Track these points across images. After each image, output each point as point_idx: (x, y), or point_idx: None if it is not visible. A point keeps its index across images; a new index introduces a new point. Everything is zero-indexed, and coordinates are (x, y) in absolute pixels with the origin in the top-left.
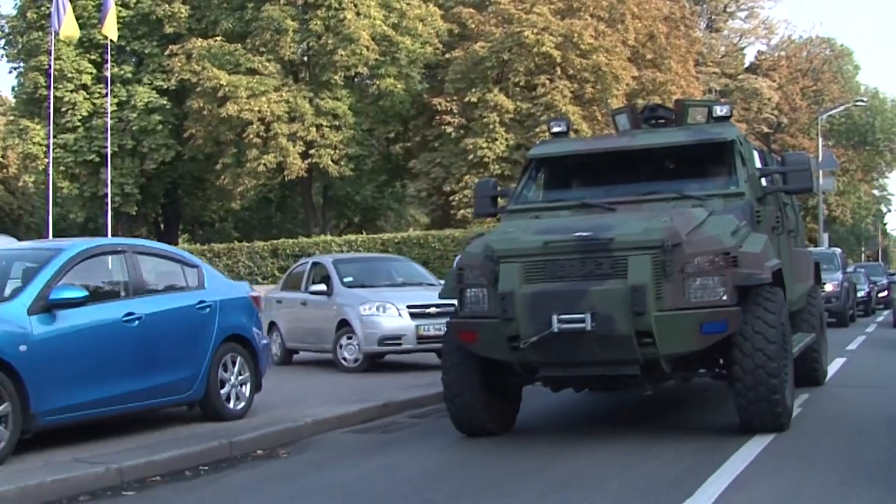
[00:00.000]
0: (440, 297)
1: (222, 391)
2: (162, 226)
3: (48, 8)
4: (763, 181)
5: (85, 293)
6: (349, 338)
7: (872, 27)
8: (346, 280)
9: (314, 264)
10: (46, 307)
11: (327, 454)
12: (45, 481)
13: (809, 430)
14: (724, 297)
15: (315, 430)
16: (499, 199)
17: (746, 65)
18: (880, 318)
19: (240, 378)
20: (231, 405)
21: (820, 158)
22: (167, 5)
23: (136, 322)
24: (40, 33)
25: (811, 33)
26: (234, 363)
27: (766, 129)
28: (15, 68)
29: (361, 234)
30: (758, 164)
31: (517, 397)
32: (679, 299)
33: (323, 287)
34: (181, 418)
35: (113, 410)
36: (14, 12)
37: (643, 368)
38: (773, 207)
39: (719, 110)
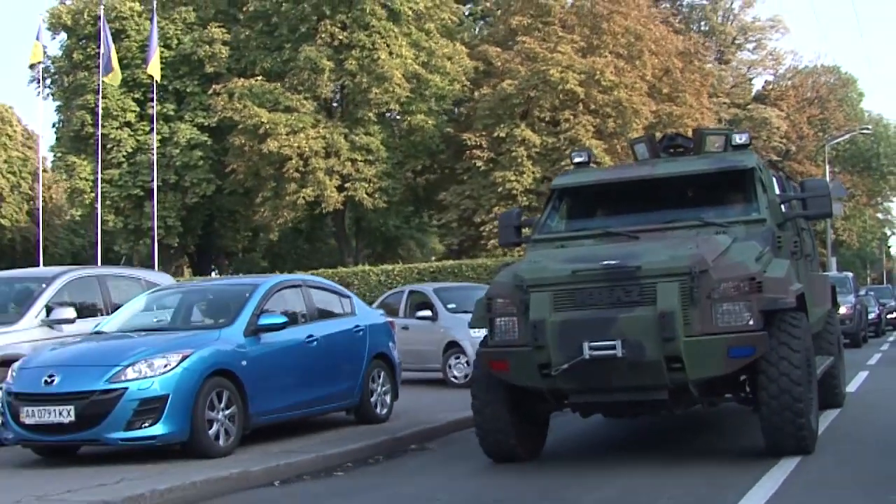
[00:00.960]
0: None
1: (371, 399)
2: (195, 257)
3: (93, 49)
4: (783, 207)
5: (285, 319)
6: (457, 357)
7: (876, 52)
8: (449, 306)
9: (411, 292)
10: (255, 331)
11: (466, 446)
12: (280, 464)
13: (837, 450)
14: (751, 322)
15: (452, 429)
16: (523, 228)
17: (754, 94)
18: (891, 338)
19: (383, 388)
20: (378, 410)
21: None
22: (208, 46)
23: (315, 342)
24: (86, 73)
25: (817, 62)
26: (379, 376)
27: (774, 157)
28: (61, 107)
29: (387, 263)
30: (777, 191)
31: (545, 423)
32: (707, 325)
33: (428, 313)
34: (335, 423)
35: (302, 413)
36: (59, 53)
37: (671, 393)
38: (792, 233)
39: (738, 138)
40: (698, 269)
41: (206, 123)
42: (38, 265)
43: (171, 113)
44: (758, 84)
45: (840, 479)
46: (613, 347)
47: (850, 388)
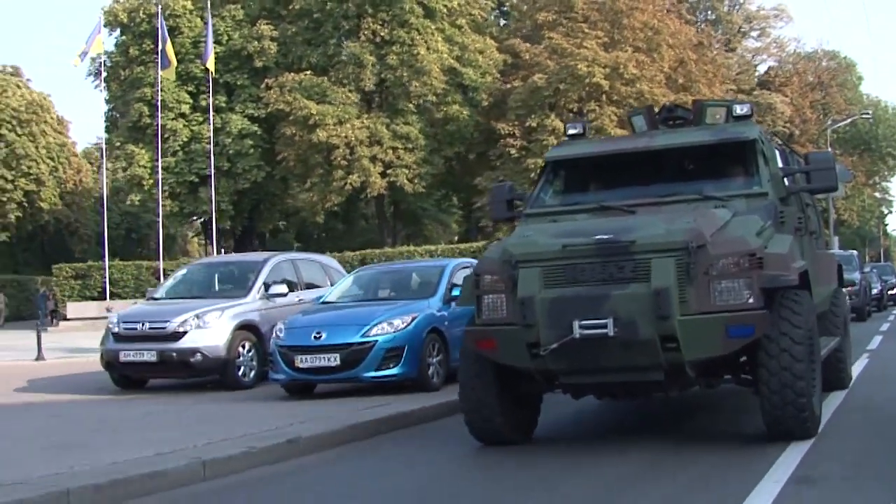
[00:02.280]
0: (457, 304)
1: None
2: (240, 238)
3: (148, 45)
4: (786, 181)
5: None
6: None
7: (877, 36)
8: None
9: None
10: (448, 300)
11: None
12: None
13: (849, 434)
14: (751, 300)
15: None
16: (515, 202)
17: (758, 80)
18: (891, 317)
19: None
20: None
21: None
22: (257, 42)
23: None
24: (142, 68)
25: (818, 47)
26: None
27: (779, 141)
28: (118, 98)
29: (412, 244)
30: (780, 164)
31: (537, 405)
32: (704, 302)
33: None
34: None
35: None
36: (114, 48)
37: (667, 374)
38: (796, 208)
39: (739, 109)
40: (695, 244)
41: (255, 114)
42: (102, 247)
43: (223, 104)
44: (761, 69)
45: (856, 462)
46: (605, 326)
47: (859, 364)
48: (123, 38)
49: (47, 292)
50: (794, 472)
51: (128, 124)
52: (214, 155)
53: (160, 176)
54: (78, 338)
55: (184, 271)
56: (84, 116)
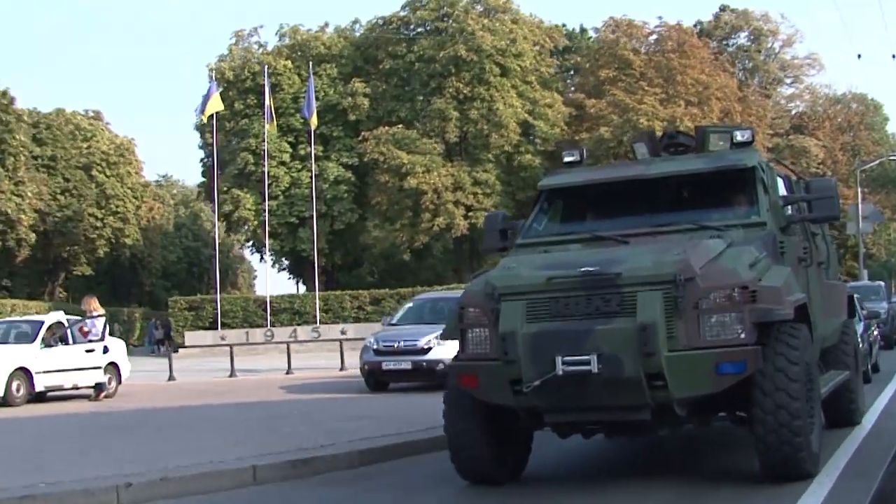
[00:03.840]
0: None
1: None
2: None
3: (252, 100)
4: (789, 210)
5: None
6: None
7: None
8: None
9: None
10: None
11: None
12: None
13: (870, 470)
14: (742, 335)
15: None
16: (508, 232)
17: (791, 124)
18: None
19: None
20: None
21: (860, 205)
22: (351, 98)
23: None
24: (246, 120)
25: (847, 91)
26: None
27: (783, 169)
28: (223, 147)
29: None
30: (783, 192)
31: (526, 443)
32: (693, 338)
33: None
34: None
35: None
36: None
37: (655, 413)
38: (800, 238)
39: (740, 136)
40: (684, 277)
41: (349, 162)
42: (212, 280)
43: (320, 153)
44: (794, 112)
45: None
46: (588, 363)
47: (887, 392)
48: (229, 93)
49: (157, 322)
50: None
51: (234, 171)
52: (312, 199)
53: (262, 218)
54: (207, 362)
55: (411, 304)
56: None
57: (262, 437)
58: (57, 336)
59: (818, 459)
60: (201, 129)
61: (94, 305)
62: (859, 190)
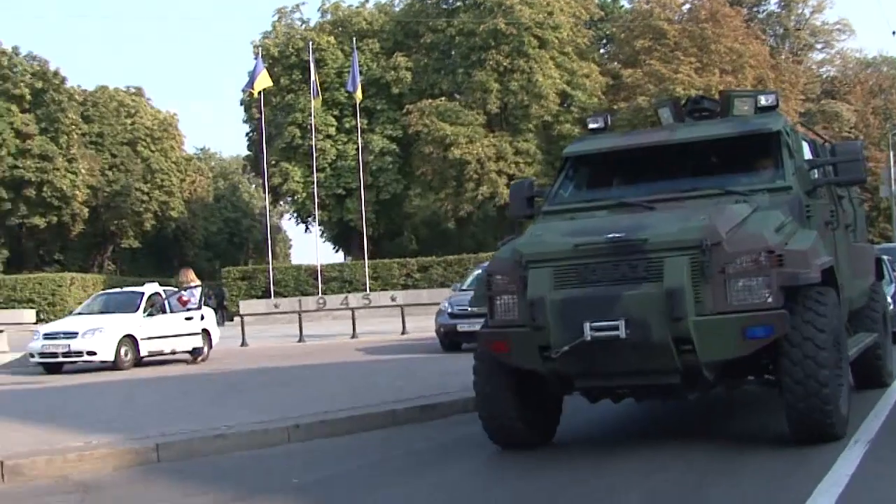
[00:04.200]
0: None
1: None
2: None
3: (297, 75)
4: (814, 173)
5: None
6: None
7: None
8: None
9: None
10: None
11: None
12: None
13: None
14: (769, 299)
15: None
16: (536, 199)
17: (823, 89)
18: None
19: None
20: None
21: (892, 168)
22: (394, 71)
23: None
24: (292, 95)
25: (878, 54)
26: None
27: (808, 132)
28: (270, 122)
29: None
30: (808, 156)
31: (556, 408)
32: (720, 302)
33: None
34: None
35: None
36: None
37: (683, 377)
38: (826, 201)
39: (764, 100)
40: (710, 242)
41: (393, 135)
42: (267, 251)
43: (365, 127)
44: (826, 78)
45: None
46: (616, 328)
47: None
48: (275, 69)
49: (209, 291)
50: (856, 472)
51: (281, 145)
52: (358, 171)
53: (310, 190)
54: (264, 329)
55: (478, 271)
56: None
57: (380, 388)
58: (157, 305)
59: (847, 422)
60: (247, 104)
61: (190, 276)
62: (892, 153)
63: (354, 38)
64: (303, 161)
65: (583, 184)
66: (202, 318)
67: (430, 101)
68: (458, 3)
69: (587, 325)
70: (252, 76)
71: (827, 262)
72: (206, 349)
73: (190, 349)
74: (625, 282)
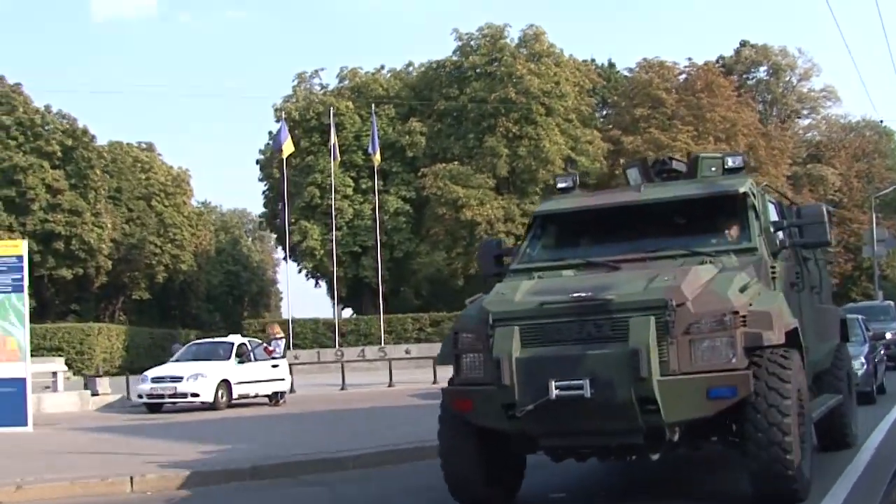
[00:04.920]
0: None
1: None
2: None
3: (316, 138)
4: (780, 235)
5: None
6: None
7: None
8: None
9: None
10: None
11: None
12: None
13: (872, 493)
14: (734, 360)
15: None
16: (504, 258)
17: (808, 153)
18: None
19: None
20: None
21: (874, 230)
22: (408, 136)
23: None
24: (312, 157)
25: (861, 118)
26: None
27: (830, 208)
28: (290, 181)
29: None
30: (774, 217)
31: (520, 466)
32: (685, 363)
33: None
34: None
35: None
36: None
37: (647, 437)
38: (792, 263)
39: (731, 161)
40: (675, 302)
41: (407, 195)
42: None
43: (380, 188)
44: (811, 141)
45: None
46: (581, 387)
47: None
48: (296, 131)
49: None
50: None
51: (300, 204)
52: (373, 230)
53: (328, 247)
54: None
55: None
56: None
57: None
58: (245, 354)
59: (810, 483)
60: (263, 162)
61: (276, 330)
62: (874, 215)
63: (373, 105)
64: (321, 220)
65: (550, 243)
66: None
67: (443, 164)
68: (471, 73)
69: (552, 384)
70: (278, 139)
71: (791, 323)
72: (286, 393)
73: (271, 393)
74: (590, 341)
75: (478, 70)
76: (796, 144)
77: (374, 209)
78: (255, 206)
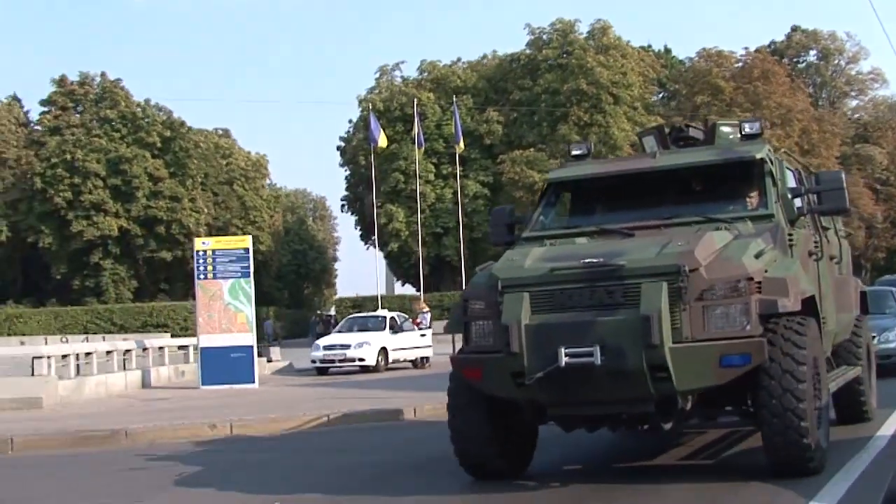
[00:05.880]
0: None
1: None
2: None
3: (400, 127)
4: (798, 202)
5: None
6: None
7: None
8: None
9: None
10: None
11: None
12: None
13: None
14: (748, 327)
15: None
16: (516, 226)
17: (856, 133)
18: None
19: None
20: None
21: None
22: (486, 125)
23: None
24: (396, 145)
25: None
26: None
27: (878, 186)
28: (377, 168)
29: None
30: (792, 184)
31: (531, 437)
32: (697, 330)
33: None
34: None
35: None
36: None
37: (659, 406)
38: (810, 231)
39: (749, 128)
40: (688, 268)
41: (485, 180)
42: (377, 282)
43: (460, 173)
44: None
45: None
46: (591, 354)
47: None
48: (381, 122)
49: (316, 318)
50: None
51: (386, 189)
52: (454, 213)
53: (412, 229)
54: None
55: None
56: None
57: None
58: (396, 326)
59: (825, 456)
60: (343, 149)
61: (423, 305)
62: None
63: (455, 96)
64: (405, 203)
65: (564, 210)
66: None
67: (520, 151)
68: (543, 65)
69: (562, 351)
70: (372, 133)
71: (808, 291)
72: (429, 358)
73: (416, 358)
74: (601, 307)
75: (550, 62)
76: (845, 125)
77: (455, 193)
78: (315, 186)
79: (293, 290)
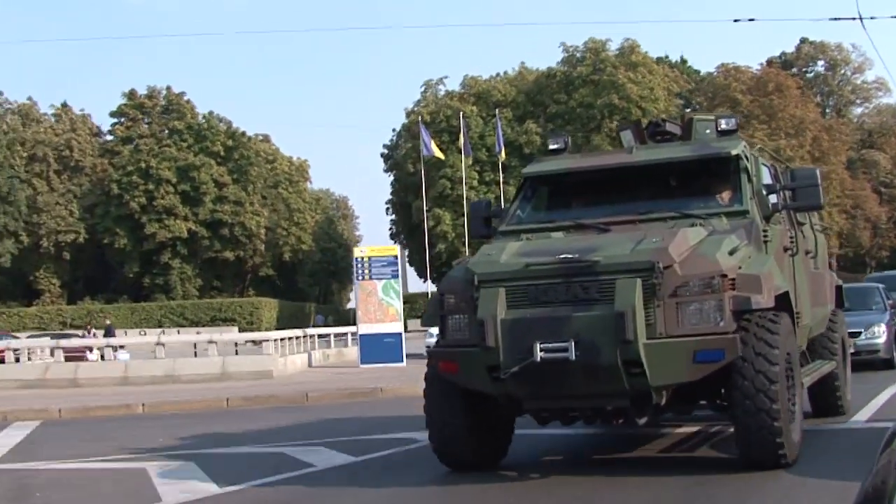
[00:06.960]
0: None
1: None
2: None
3: (445, 137)
4: (773, 198)
5: None
6: None
7: None
8: None
9: None
10: None
11: None
12: None
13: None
14: (721, 323)
15: None
16: (493, 220)
17: (860, 138)
18: None
19: None
20: None
21: None
22: (525, 135)
23: None
24: (442, 154)
25: None
26: None
27: (882, 189)
28: (425, 174)
29: None
30: (768, 181)
31: (507, 429)
32: (671, 326)
33: None
34: None
35: None
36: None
37: (633, 400)
38: (785, 227)
39: (725, 123)
40: (662, 264)
41: None
42: (426, 277)
43: (501, 179)
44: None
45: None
46: (566, 349)
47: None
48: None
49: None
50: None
51: (434, 194)
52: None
53: (459, 231)
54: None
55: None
56: None
57: None
58: None
59: (797, 448)
60: (386, 155)
61: None
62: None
63: (497, 109)
64: (451, 207)
65: (540, 204)
66: None
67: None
68: (578, 81)
69: (537, 346)
70: (427, 145)
71: (781, 287)
72: None
73: None
74: (576, 303)
75: (583, 78)
76: (851, 132)
77: (497, 198)
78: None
79: (323, 286)
